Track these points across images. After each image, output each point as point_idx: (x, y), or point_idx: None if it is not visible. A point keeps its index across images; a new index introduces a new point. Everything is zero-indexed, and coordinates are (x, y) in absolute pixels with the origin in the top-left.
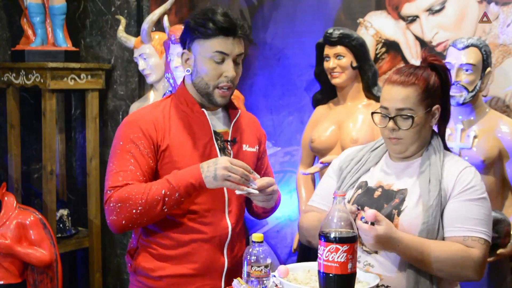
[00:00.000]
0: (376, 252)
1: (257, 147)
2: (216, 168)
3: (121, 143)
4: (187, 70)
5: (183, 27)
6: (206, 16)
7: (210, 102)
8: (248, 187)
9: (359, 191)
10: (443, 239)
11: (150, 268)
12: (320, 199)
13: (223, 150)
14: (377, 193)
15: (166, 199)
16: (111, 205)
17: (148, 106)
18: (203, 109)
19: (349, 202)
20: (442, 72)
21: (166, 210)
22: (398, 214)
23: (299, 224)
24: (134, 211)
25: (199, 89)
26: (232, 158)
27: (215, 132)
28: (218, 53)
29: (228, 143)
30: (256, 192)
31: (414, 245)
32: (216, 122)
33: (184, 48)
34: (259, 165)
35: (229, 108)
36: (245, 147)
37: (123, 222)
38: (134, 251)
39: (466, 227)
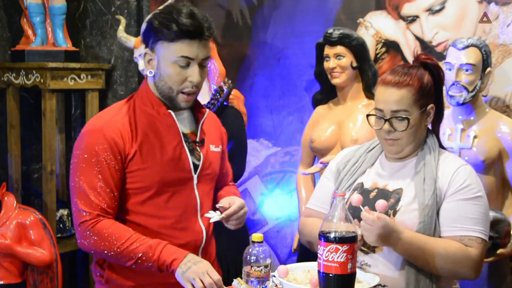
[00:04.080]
0: (373, 251)
1: (221, 147)
2: (191, 267)
3: (85, 156)
4: (149, 72)
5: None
6: (170, 16)
7: (173, 105)
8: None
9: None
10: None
11: (124, 278)
12: (319, 202)
13: (193, 152)
14: (373, 194)
15: (139, 261)
16: (87, 232)
17: (110, 110)
18: (169, 111)
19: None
20: (435, 71)
21: (134, 267)
22: (394, 214)
23: (299, 228)
24: (105, 251)
25: (162, 92)
26: (211, 270)
27: (183, 134)
28: (183, 58)
29: (196, 144)
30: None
31: (414, 241)
32: (181, 123)
33: (146, 47)
34: (221, 165)
35: (194, 107)
36: (212, 148)
37: (92, 251)
38: (103, 261)
39: (462, 226)
